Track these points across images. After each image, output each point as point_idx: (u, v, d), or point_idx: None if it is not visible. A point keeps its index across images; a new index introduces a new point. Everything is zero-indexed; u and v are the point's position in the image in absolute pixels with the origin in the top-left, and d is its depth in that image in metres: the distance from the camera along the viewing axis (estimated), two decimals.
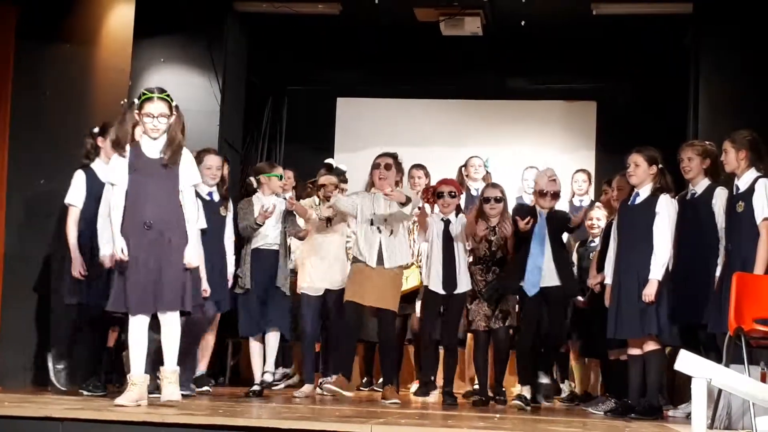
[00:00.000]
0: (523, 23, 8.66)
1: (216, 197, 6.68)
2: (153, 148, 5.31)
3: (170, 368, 5.27)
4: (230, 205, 6.84)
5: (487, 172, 8.77)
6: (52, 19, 6.93)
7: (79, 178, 6.20)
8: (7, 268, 6.75)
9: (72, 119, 6.94)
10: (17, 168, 6.83)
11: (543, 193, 6.69)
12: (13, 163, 6.84)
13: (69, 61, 6.98)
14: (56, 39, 6.95)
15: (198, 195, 5.97)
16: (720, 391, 5.09)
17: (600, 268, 6.48)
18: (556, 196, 6.73)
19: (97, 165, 6.21)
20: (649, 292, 5.85)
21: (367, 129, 10.26)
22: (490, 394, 6.77)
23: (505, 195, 6.87)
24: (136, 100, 5.33)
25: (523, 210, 6.76)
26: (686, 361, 4.47)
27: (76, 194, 6.19)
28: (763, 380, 5.22)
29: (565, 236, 6.98)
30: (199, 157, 6.31)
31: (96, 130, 6.28)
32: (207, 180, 6.53)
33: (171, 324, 5.26)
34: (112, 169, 5.32)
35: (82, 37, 7.02)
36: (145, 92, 5.35)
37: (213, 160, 6.64)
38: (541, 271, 6.54)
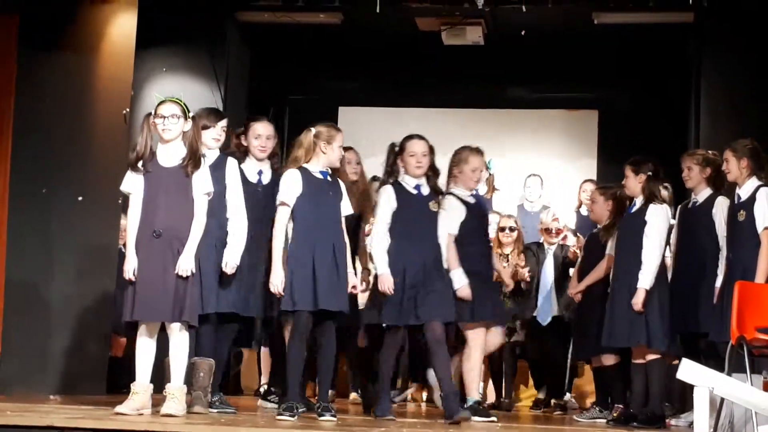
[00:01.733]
0: (523, 33, 8.67)
1: (425, 190, 5.80)
2: (167, 156, 5.28)
3: (175, 385, 5.22)
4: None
5: (490, 174, 8.80)
6: (54, 29, 6.94)
7: None
8: (9, 277, 6.76)
9: (74, 129, 6.94)
10: (19, 177, 6.84)
11: (548, 230, 7.51)
12: (16, 172, 6.85)
13: (71, 70, 6.98)
14: (58, 48, 6.96)
15: (402, 187, 5.71)
16: (722, 400, 5.09)
17: (580, 278, 6.67)
18: (559, 232, 7.52)
19: (246, 165, 5.89)
20: (636, 301, 5.86)
21: (369, 138, 10.21)
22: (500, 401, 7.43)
23: (519, 225, 7.64)
24: (152, 112, 5.32)
25: (530, 251, 7.53)
26: (688, 370, 4.48)
27: None
28: (765, 389, 5.21)
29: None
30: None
31: (240, 130, 6.05)
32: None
33: (177, 339, 5.24)
34: (126, 180, 5.31)
35: (84, 47, 7.03)
36: (157, 96, 5.38)
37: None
38: (550, 303, 7.28)
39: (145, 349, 5.24)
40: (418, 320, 5.53)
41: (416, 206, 5.71)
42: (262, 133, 5.90)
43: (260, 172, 5.89)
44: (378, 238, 5.68)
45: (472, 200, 6.02)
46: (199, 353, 5.64)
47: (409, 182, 5.76)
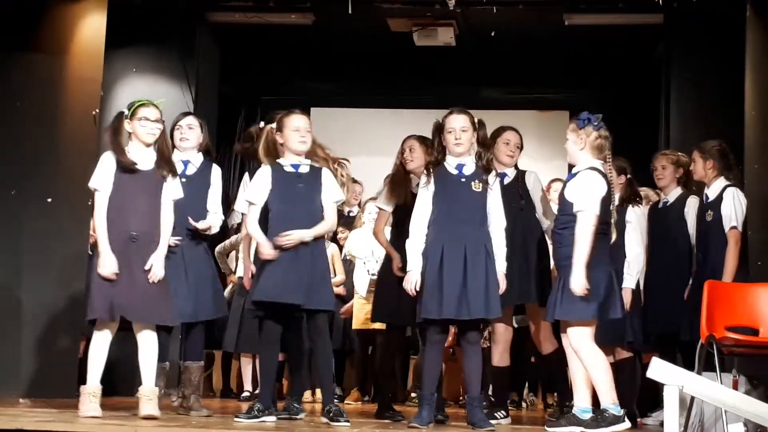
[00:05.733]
0: (492, 34, 8.69)
1: (468, 170, 5.41)
2: (141, 159, 5.29)
3: (149, 387, 5.22)
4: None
5: None
6: (22, 29, 6.88)
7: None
8: None
9: (43, 130, 6.89)
10: None
11: None
12: None
13: (40, 71, 6.93)
14: (27, 49, 6.91)
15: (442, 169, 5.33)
16: (692, 398, 5.12)
17: None
18: None
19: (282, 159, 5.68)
20: (624, 301, 5.87)
21: (342, 139, 10.18)
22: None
23: None
24: (126, 110, 5.32)
25: None
26: (658, 369, 4.50)
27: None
28: (734, 387, 5.25)
29: None
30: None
31: (262, 124, 5.87)
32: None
33: (148, 341, 5.24)
34: (97, 177, 5.26)
35: (53, 47, 6.98)
36: (140, 100, 5.36)
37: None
38: None
39: (102, 350, 5.23)
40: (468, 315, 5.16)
41: (456, 188, 5.33)
42: (300, 126, 5.53)
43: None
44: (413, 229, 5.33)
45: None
46: (189, 357, 5.76)
47: (450, 162, 5.39)
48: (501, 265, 5.30)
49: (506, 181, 6.03)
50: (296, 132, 5.46)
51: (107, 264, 5.12)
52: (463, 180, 5.33)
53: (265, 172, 5.43)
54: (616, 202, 5.58)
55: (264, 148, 5.52)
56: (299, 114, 5.54)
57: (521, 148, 6.26)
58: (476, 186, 5.32)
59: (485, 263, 5.23)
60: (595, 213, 5.12)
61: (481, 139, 5.45)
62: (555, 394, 7.18)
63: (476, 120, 5.46)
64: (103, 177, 5.25)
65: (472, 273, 5.18)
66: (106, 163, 5.27)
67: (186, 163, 5.76)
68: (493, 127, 6.11)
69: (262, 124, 5.76)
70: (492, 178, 5.39)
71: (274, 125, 5.55)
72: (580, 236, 5.05)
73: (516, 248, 5.75)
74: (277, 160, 5.49)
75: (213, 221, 5.72)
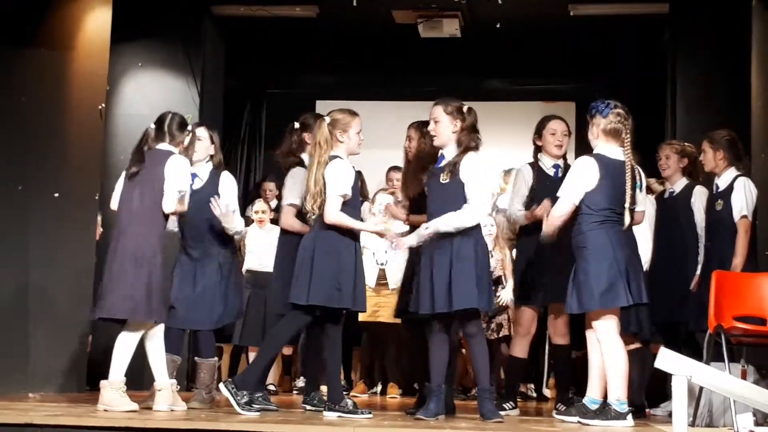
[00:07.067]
0: (498, 25, 8.68)
1: (441, 162, 5.51)
2: None
3: (167, 381, 5.39)
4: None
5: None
6: (27, 24, 6.89)
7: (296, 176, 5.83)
8: None
9: (49, 125, 6.90)
10: None
11: None
12: None
13: (46, 66, 6.93)
14: (33, 44, 6.91)
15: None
16: (701, 388, 5.12)
17: None
18: None
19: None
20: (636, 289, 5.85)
21: None
22: None
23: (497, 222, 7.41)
24: (190, 126, 5.52)
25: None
26: (667, 359, 4.49)
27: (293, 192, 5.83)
28: (743, 377, 5.25)
29: None
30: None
31: (297, 125, 6.01)
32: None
33: (160, 338, 5.41)
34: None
35: (58, 42, 6.98)
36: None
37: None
38: None
39: (160, 347, 5.38)
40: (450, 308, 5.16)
41: (431, 182, 5.39)
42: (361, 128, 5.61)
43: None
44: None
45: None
46: (199, 353, 5.82)
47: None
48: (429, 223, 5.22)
49: (560, 173, 5.97)
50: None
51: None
52: (435, 173, 5.36)
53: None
54: (629, 189, 5.47)
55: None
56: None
57: (569, 134, 6.17)
58: (444, 177, 5.29)
59: (449, 258, 5.18)
60: (572, 202, 5.15)
61: (465, 126, 5.39)
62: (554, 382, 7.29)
63: (464, 108, 5.47)
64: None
65: (437, 268, 5.19)
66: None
67: (194, 176, 5.70)
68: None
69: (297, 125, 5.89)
70: (465, 161, 5.26)
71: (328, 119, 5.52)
72: (550, 218, 5.21)
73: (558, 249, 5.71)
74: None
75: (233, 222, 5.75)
